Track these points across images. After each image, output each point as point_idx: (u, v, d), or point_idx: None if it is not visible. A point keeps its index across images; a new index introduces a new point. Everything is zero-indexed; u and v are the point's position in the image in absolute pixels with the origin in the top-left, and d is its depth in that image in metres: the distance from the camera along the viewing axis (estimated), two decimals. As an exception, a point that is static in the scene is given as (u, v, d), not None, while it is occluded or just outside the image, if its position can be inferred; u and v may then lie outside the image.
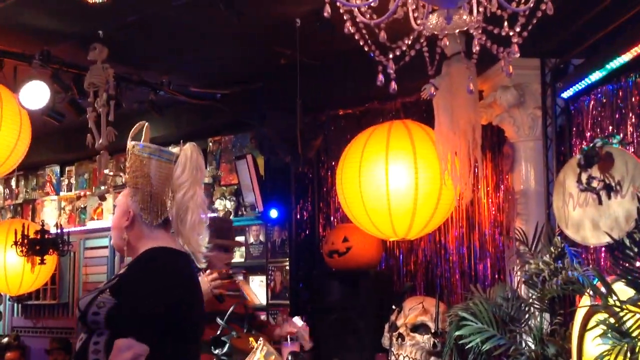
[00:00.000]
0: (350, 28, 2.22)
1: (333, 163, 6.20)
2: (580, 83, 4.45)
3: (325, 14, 2.14)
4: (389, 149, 4.99)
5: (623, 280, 2.98)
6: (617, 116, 4.29)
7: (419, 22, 2.22)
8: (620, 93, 4.28)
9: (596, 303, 3.09)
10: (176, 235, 2.71)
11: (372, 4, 2.21)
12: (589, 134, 4.54)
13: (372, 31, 2.30)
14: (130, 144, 2.72)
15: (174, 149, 2.76)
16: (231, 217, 6.64)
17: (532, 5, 2.08)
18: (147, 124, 2.76)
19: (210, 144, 7.13)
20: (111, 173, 5.09)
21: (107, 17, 4.82)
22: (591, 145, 3.80)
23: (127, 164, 2.73)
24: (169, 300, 2.51)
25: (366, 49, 2.26)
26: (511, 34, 2.11)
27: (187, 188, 2.67)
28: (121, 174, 6.35)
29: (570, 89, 4.56)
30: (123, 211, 2.69)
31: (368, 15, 2.18)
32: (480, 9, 2.20)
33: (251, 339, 3.30)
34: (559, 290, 3.96)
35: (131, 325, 2.44)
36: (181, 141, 2.78)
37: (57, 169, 8.60)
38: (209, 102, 6.49)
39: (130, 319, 2.45)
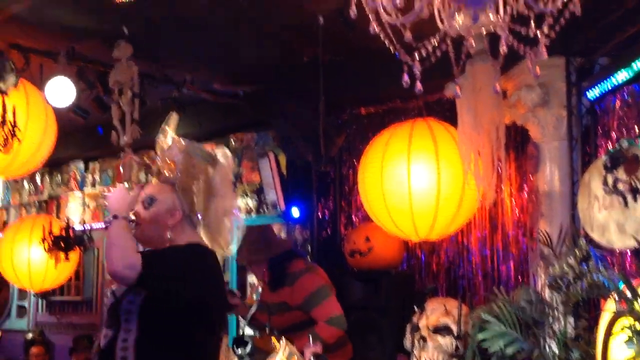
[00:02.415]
0: (375, 28, 2.20)
1: (355, 161, 6.19)
2: (606, 83, 4.39)
3: (352, 14, 2.13)
4: (411, 147, 4.96)
5: (649, 284, 2.94)
6: (644, 117, 4.24)
7: (445, 22, 2.19)
8: (648, 93, 4.22)
9: (621, 308, 3.05)
10: (211, 238, 2.75)
11: (397, 4, 2.19)
12: (614, 134, 4.49)
13: (396, 30, 2.28)
14: (182, 142, 2.74)
15: (210, 150, 2.79)
16: (253, 214, 6.66)
17: (560, 5, 2.05)
18: (174, 114, 2.81)
19: (233, 141, 7.15)
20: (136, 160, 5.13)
21: (133, 15, 4.85)
22: (617, 146, 3.75)
23: (170, 160, 2.73)
24: (217, 295, 2.63)
25: (392, 49, 2.25)
26: (539, 34, 2.08)
27: (229, 196, 2.74)
28: (150, 162, 6.41)
29: (596, 88, 4.50)
30: (169, 208, 2.69)
31: (394, 15, 2.16)
32: (507, 9, 2.18)
33: (273, 339, 3.30)
34: (584, 293, 3.91)
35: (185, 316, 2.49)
36: (223, 148, 2.82)
37: (81, 165, 8.67)
38: (231, 100, 6.51)
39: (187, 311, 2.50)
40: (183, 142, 2.73)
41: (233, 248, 2.81)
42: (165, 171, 2.72)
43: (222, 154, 2.79)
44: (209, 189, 2.72)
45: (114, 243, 2.56)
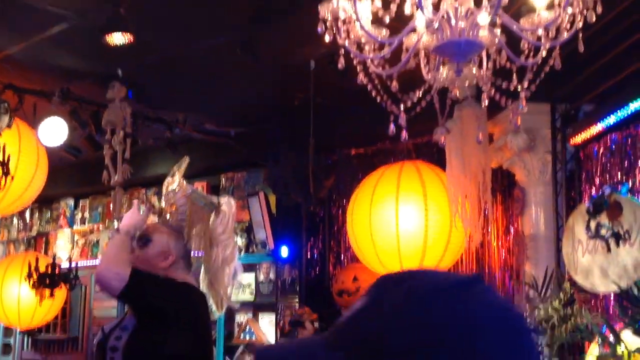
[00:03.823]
0: (363, 79, 2.29)
1: (344, 202, 6.24)
2: (590, 129, 4.49)
3: (340, 66, 2.21)
4: (399, 190, 5.03)
5: (631, 328, 2.99)
6: (626, 164, 4.32)
7: (429, 74, 2.28)
8: (630, 141, 4.32)
9: (605, 351, 3.09)
10: (209, 285, 2.76)
11: (385, 56, 2.28)
12: (598, 180, 4.57)
13: (384, 78, 2.36)
14: (187, 187, 2.77)
15: (213, 198, 2.82)
16: (242, 253, 6.67)
17: (539, 61, 2.14)
18: (188, 159, 2.85)
19: (223, 180, 7.20)
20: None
21: (127, 57, 4.93)
22: (600, 193, 3.83)
23: (173, 202, 2.76)
24: (206, 341, 2.62)
25: (378, 99, 2.33)
26: (519, 88, 2.17)
27: (231, 245, 2.76)
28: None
29: (581, 135, 4.61)
30: (162, 251, 2.69)
31: (381, 68, 2.25)
32: (490, 64, 2.27)
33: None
34: (568, 336, 3.95)
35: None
36: (228, 197, 2.84)
37: (71, 202, 8.68)
38: (223, 140, 6.58)
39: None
40: (187, 188, 2.76)
41: (231, 296, 2.81)
42: (166, 213, 2.75)
43: (227, 203, 2.80)
44: (209, 237, 2.74)
45: (108, 252, 2.65)
